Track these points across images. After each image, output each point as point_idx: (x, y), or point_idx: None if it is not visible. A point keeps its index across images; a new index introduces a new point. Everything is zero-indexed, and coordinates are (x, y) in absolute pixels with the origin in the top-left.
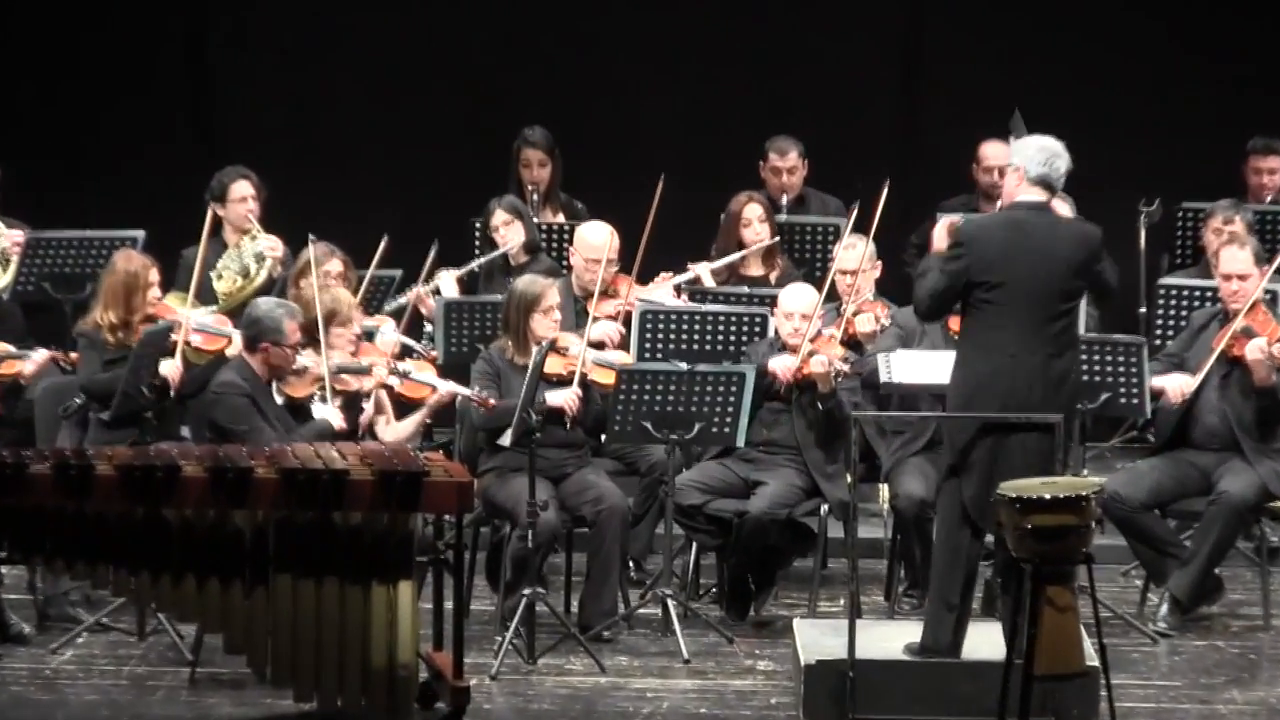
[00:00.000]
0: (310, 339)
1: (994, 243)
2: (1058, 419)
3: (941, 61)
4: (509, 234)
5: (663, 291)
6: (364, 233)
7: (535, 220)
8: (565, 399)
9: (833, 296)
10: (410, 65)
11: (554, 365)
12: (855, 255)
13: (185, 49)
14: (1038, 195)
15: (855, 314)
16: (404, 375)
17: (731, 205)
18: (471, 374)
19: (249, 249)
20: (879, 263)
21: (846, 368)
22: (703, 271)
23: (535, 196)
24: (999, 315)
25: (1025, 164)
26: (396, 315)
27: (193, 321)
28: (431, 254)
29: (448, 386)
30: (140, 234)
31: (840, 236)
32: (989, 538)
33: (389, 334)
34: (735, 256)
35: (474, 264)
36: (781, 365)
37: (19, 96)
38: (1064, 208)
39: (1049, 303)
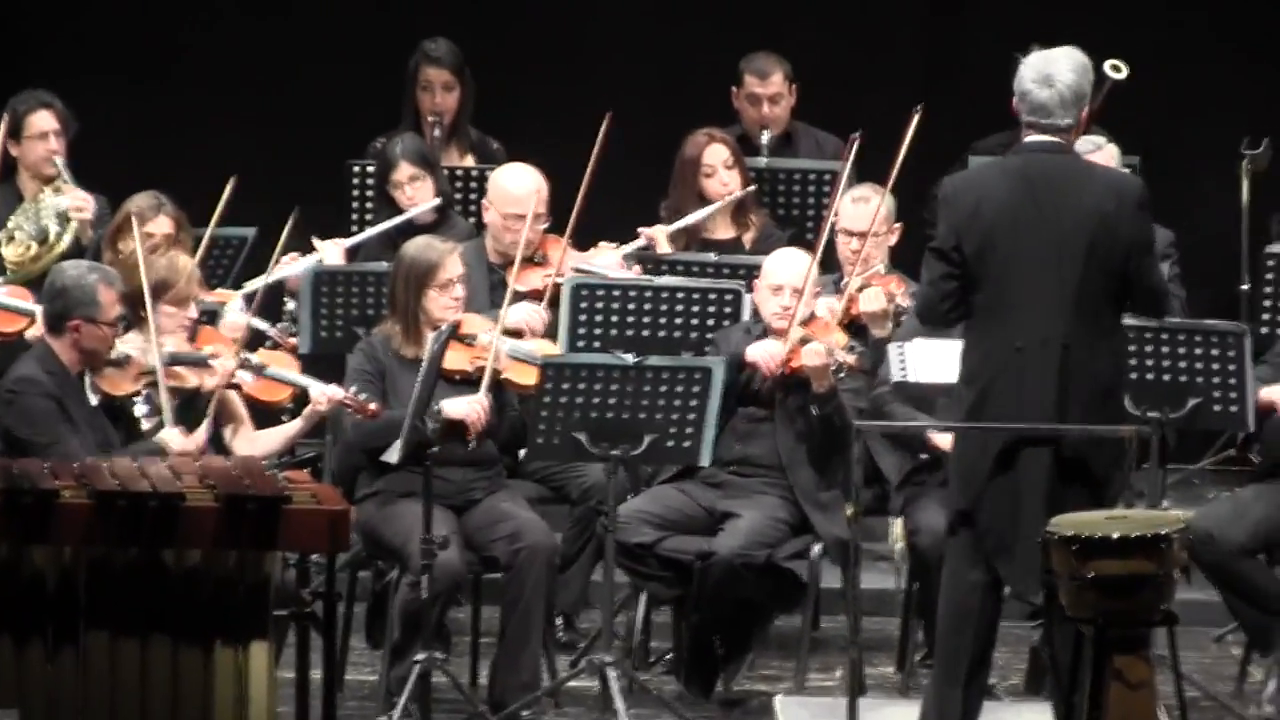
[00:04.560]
0: (135, 317)
1: (984, 199)
2: (1126, 431)
3: None
4: (416, 193)
5: (605, 261)
6: (205, 180)
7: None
8: (467, 409)
9: (830, 266)
10: None
11: (457, 359)
12: (866, 212)
13: None
14: (1043, 136)
15: (861, 289)
16: (258, 370)
17: (686, 148)
18: (347, 369)
19: (49, 204)
20: (898, 225)
21: (851, 359)
22: (658, 236)
23: (438, 131)
24: (999, 295)
25: (1016, 94)
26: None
27: None
28: (291, 221)
29: (319, 388)
30: None
31: (837, 184)
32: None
33: (235, 314)
34: (698, 215)
35: (368, 232)
36: (764, 354)
37: None
38: (1100, 155)
39: (1068, 274)
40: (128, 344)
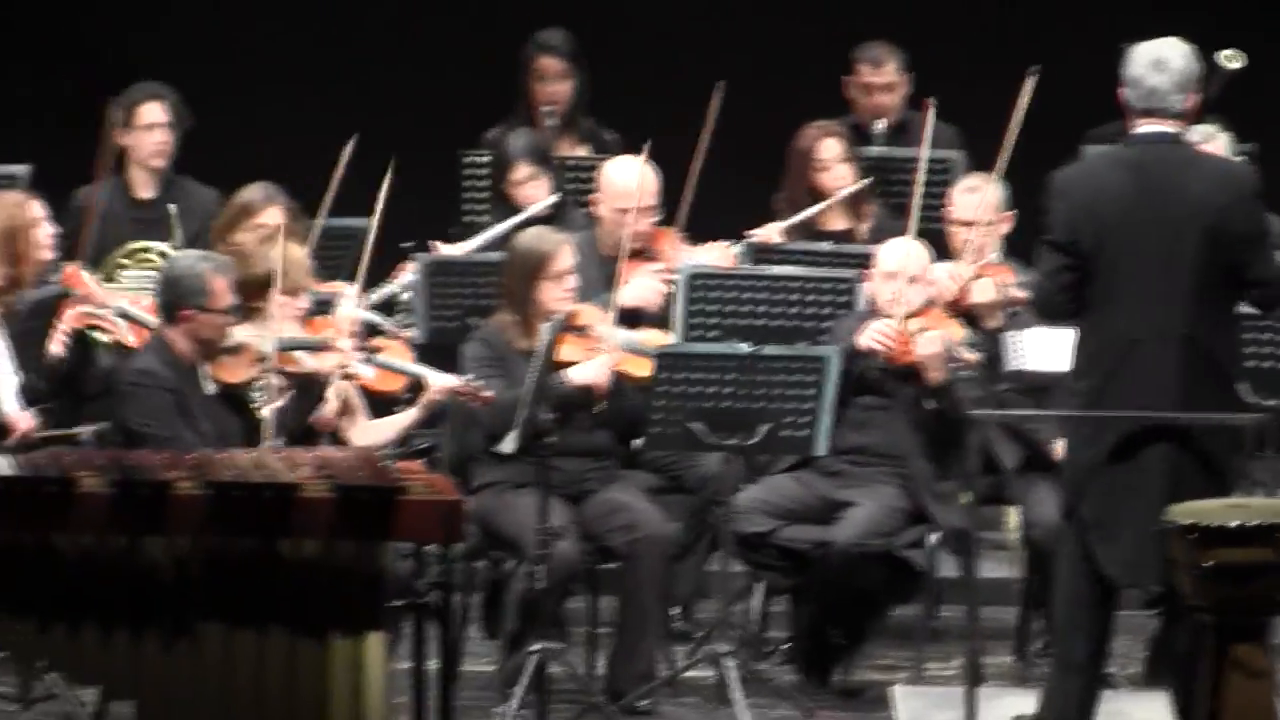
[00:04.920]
0: (246, 308)
1: (1096, 191)
2: (1248, 419)
3: None
4: (534, 191)
5: (714, 258)
6: (316, 172)
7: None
8: (593, 374)
9: (944, 256)
10: None
11: (571, 351)
12: (974, 201)
13: None
14: (1155, 126)
15: (974, 279)
16: (373, 358)
17: (797, 142)
18: (462, 359)
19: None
20: (1010, 213)
21: (970, 356)
22: (769, 237)
23: (551, 121)
24: (1114, 288)
25: (1124, 87)
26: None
27: (114, 309)
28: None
29: (434, 376)
30: (24, 170)
31: (954, 173)
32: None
33: (349, 307)
34: (813, 210)
35: (486, 235)
36: (877, 334)
37: None
38: (1211, 145)
39: (1183, 266)
40: (241, 331)
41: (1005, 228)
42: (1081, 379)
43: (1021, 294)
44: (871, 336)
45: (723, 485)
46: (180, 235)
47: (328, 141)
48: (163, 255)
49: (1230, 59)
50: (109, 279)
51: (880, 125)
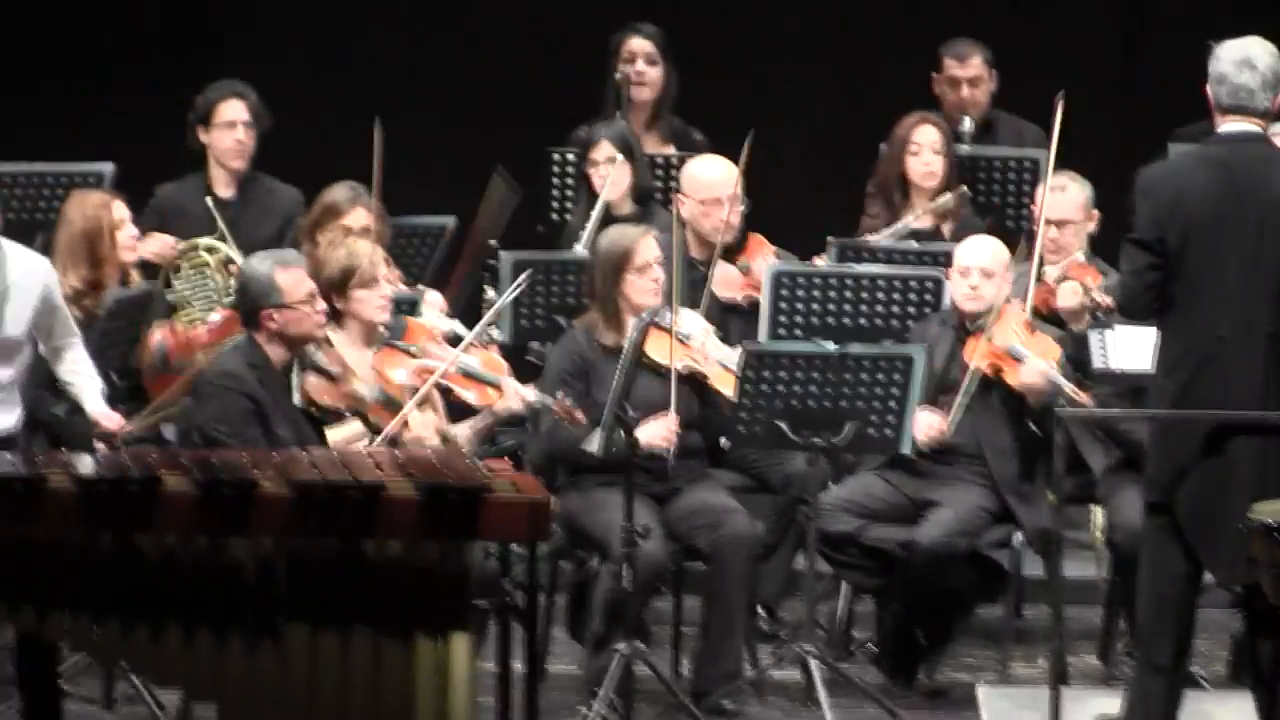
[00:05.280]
0: (334, 312)
1: (1185, 190)
2: None
3: None
4: (613, 175)
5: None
6: (401, 170)
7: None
8: (661, 438)
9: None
10: None
11: (659, 348)
12: (1063, 200)
13: None
14: (1241, 124)
15: (1059, 281)
16: (466, 371)
17: (897, 129)
18: (547, 364)
19: (204, 266)
20: (1095, 213)
21: (1069, 388)
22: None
23: (629, 99)
24: (1200, 284)
25: (1210, 84)
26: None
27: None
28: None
29: (513, 388)
30: (108, 168)
31: (1043, 174)
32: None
33: (434, 317)
34: (899, 227)
35: (582, 241)
36: (924, 427)
37: None
38: None
39: (1269, 263)
40: (359, 381)
41: (1091, 227)
42: (1168, 377)
43: (1106, 299)
44: (919, 432)
45: (808, 484)
46: (224, 225)
47: (415, 139)
48: (210, 250)
49: None
50: (167, 284)
51: (967, 124)
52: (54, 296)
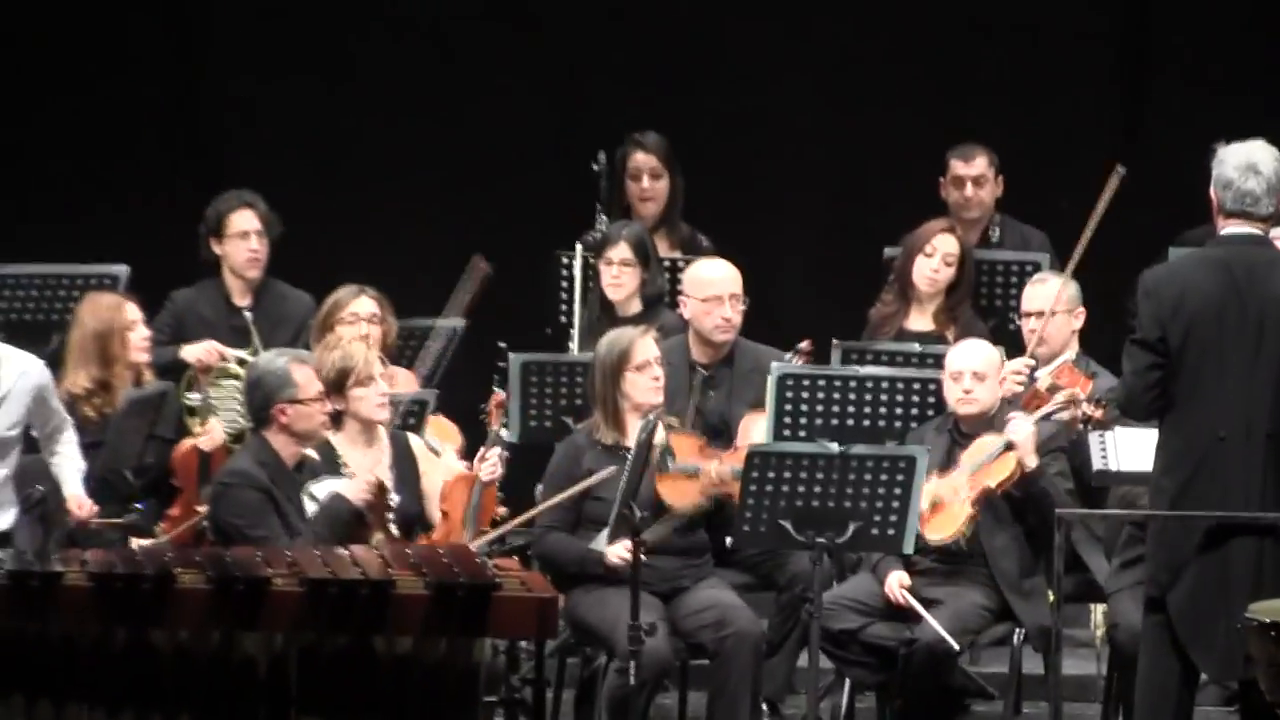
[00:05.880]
0: (336, 416)
1: (1187, 291)
2: None
3: (1176, 52)
4: (622, 278)
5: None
6: (410, 273)
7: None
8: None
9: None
10: (471, 58)
11: (685, 495)
12: (1043, 292)
13: (176, 43)
14: (1243, 227)
15: (1050, 389)
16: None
17: (920, 229)
18: (549, 466)
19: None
20: (1081, 310)
21: (1095, 412)
22: None
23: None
24: (1200, 384)
25: (1214, 187)
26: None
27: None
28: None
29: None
30: (123, 270)
31: (1091, 216)
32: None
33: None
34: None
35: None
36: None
37: None
38: None
39: (1266, 362)
40: (344, 450)
41: (1077, 323)
42: (1167, 475)
43: (1097, 411)
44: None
45: (812, 582)
46: (258, 342)
47: (430, 245)
48: (242, 363)
49: None
50: (189, 388)
51: (994, 233)
52: (46, 392)
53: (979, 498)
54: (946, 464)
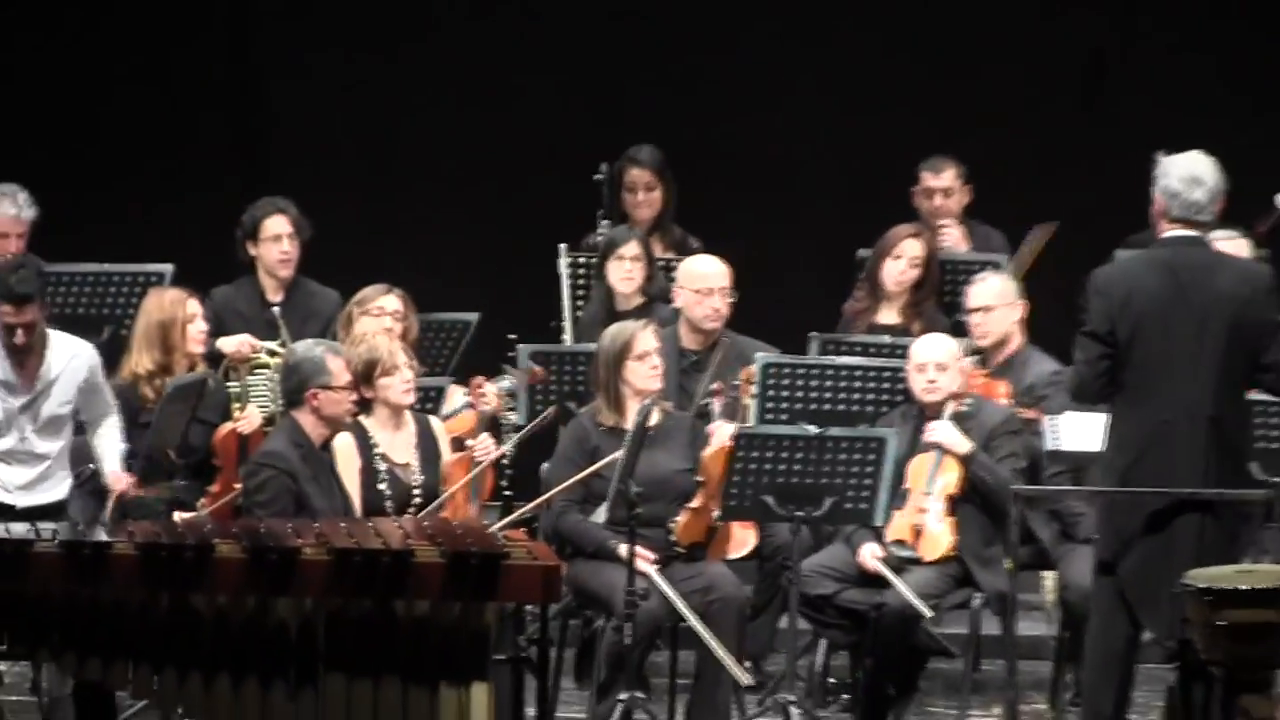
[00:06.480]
0: (364, 403)
1: (1135, 289)
2: (1261, 495)
3: (1129, 73)
4: (634, 272)
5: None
6: (431, 273)
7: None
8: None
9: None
10: (487, 77)
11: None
12: (984, 290)
13: (229, 61)
14: (1185, 231)
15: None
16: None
17: (889, 234)
18: (559, 446)
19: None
20: (1022, 301)
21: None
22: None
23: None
24: (1148, 374)
25: (1162, 195)
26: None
27: None
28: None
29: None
30: (168, 268)
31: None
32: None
33: (460, 404)
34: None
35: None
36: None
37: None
38: (1231, 246)
39: (1210, 354)
40: (375, 432)
41: (1017, 314)
42: (1117, 455)
43: (1030, 412)
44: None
45: (792, 552)
46: (287, 334)
47: (448, 245)
48: (272, 354)
49: None
50: (226, 377)
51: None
52: (95, 376)
53: (949, 509)
54: (913, 445)
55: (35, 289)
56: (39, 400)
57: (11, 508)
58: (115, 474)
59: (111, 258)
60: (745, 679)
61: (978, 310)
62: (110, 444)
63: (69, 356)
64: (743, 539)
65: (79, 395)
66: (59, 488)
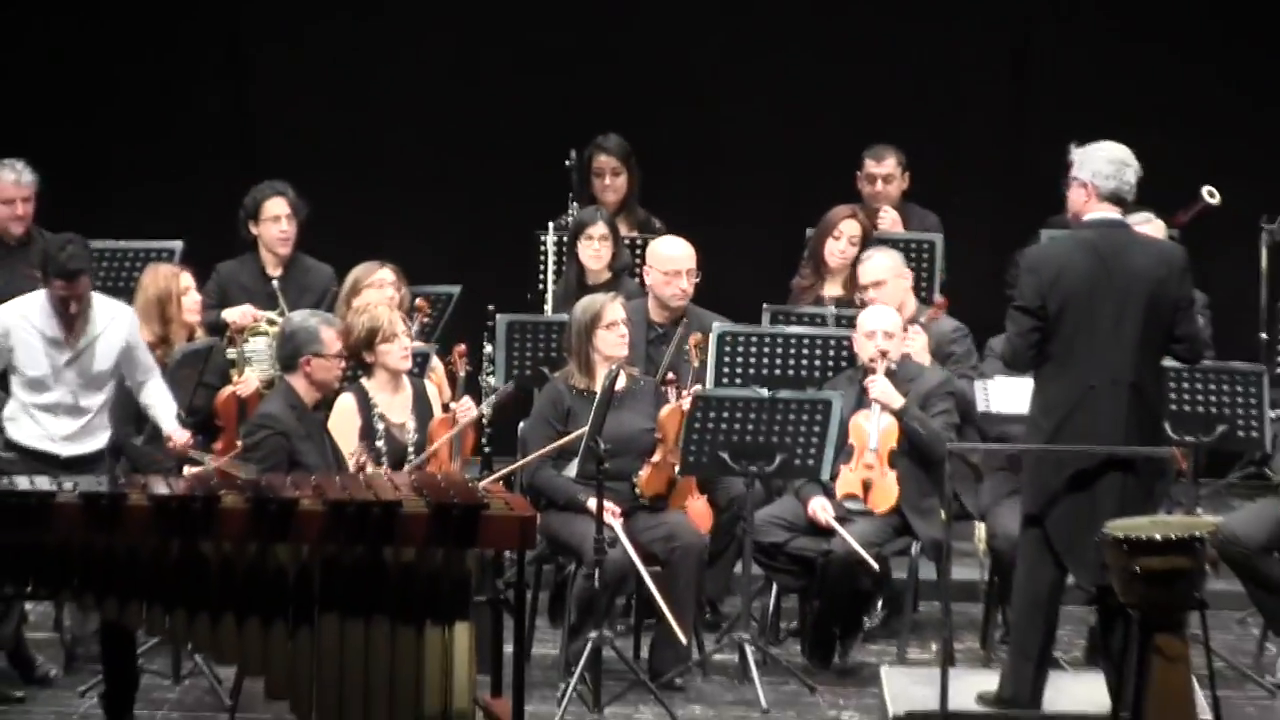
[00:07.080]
0: (364, 366)
1: (1062, 266)
2: (1168, 452)
3: (1051, 68)
4: (601, 251)
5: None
6: (418, 248)
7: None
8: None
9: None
10: (467, 68)
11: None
12: (873, 267)
13: (227, 50)
14: (1109, 211)
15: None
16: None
17: (829, 215)
18: (534, 407)
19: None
20: (908, 271)
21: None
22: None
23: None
24: (1074, 343)
25: (1092, 178)
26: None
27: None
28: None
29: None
30: (177, 245)
31: (935, 254)
32: (1065, 578)
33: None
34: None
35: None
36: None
37: (52, 104)
38: (1149, 228)
39: (1131, 326)
40: (375, 394)
41: (905, 284)
42: (1044, 417)
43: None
44: (815, 513)
45: (745, 504)
46: (284, 305)
47: (431, 225)
48: (271, 323)
49: (1211, 194)
50: (230, 343)
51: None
52: (135, 338)
53: (891, 460)
54: (857, 405)
55: (85, 264)
56: (83, 356)
57: (56, 456)
58: (175, 431)
59: (128, 236)
60: (684, 639)
61: (871, 285)
62: (163, 407)
63: (109, 317)
64: (704, 515)
65: (121, 355)
66: (99, 439)
